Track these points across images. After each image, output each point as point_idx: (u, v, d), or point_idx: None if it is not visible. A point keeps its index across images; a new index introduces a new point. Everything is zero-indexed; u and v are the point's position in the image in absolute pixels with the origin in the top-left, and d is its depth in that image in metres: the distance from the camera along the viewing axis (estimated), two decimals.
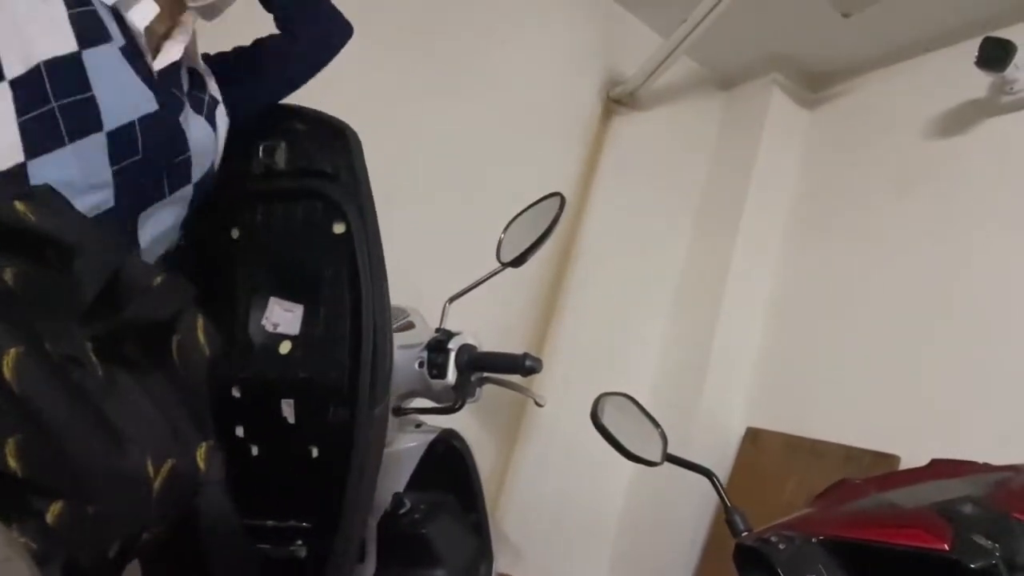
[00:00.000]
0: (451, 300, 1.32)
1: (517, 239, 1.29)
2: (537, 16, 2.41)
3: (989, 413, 1.77)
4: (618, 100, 2.60)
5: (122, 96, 0.88)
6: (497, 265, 1.30)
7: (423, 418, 1.31)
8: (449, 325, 1.23)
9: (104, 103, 0.85)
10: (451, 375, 1.12)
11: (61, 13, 0.83)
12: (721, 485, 1.17)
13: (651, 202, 2.66)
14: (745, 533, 1.06)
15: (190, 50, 1.03)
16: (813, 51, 2.58)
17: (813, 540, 0.88)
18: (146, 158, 0.90)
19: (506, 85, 2.33)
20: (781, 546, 0.88)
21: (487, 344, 1.19)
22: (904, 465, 1.86)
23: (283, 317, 1.10)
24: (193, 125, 0.99)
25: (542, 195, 1.31)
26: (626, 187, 2.58)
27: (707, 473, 1.19)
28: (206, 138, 1.02)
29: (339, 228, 1.06)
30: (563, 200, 1.26)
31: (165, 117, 0.94)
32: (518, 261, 1.26)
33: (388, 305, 1.02)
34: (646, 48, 2.51)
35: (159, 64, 0.96)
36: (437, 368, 1.13)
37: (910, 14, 2.26)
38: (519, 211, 1.33)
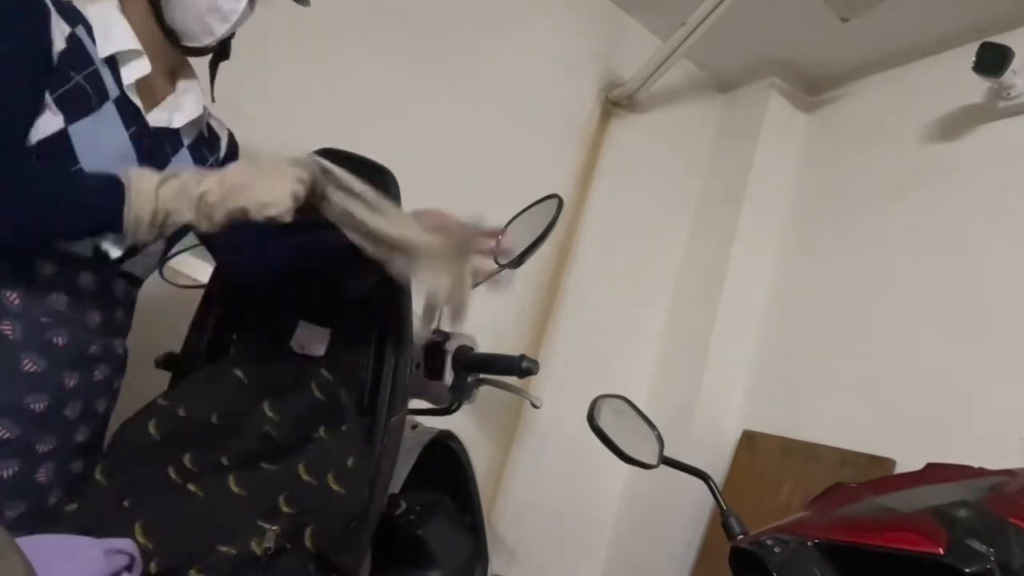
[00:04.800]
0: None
1: (515, 240, 1.29)
2: (536, 19, 2.41)
3: (984, 417, 1.77)
4: (616, 102, 2.60)
5: (102, 158, 0.91)
6: (494, 266, 1.30)
7: (420, 419, 1.31)
8: (446, 327, 1.23)
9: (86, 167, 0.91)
10: (448, 376, 1.12)
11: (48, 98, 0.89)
12: (717, 488, 1.17)
13: (649, 204, 2.66)
14: (741, 536, 1.07)
15: (191, 112, 1.06)
16: (811, 55, 2.59)
17: (808, 543, 0.88)
18: None
19: (505, 87, 2.33)
20: (776, 549, 0.88)
21: (484, 346, 1.19)
22: (899, 469, 1.86)
23: (310, 340, 1.12)
24: None
25: (540, 196, 1.31)
26: (624, 189, 2.59)
27: (703, 476, 1.19)
28: None
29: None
30: (561, 202, 1.26)
31: None
32: (516, 262, 1.26)
33: (411, 324, 1.05)
34: (644, 51, 2.51)
35: (155, 121, 1.00)
36: (434, 369, 1.13)
37: (908, 19, 2.27)
38: (517, 212, 1.33)
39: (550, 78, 2.44)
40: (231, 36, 1.05)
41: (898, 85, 2.44)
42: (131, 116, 0.97)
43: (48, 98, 0.88)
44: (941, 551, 0.77)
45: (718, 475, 2.28)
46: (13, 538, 0.63)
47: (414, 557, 1.18)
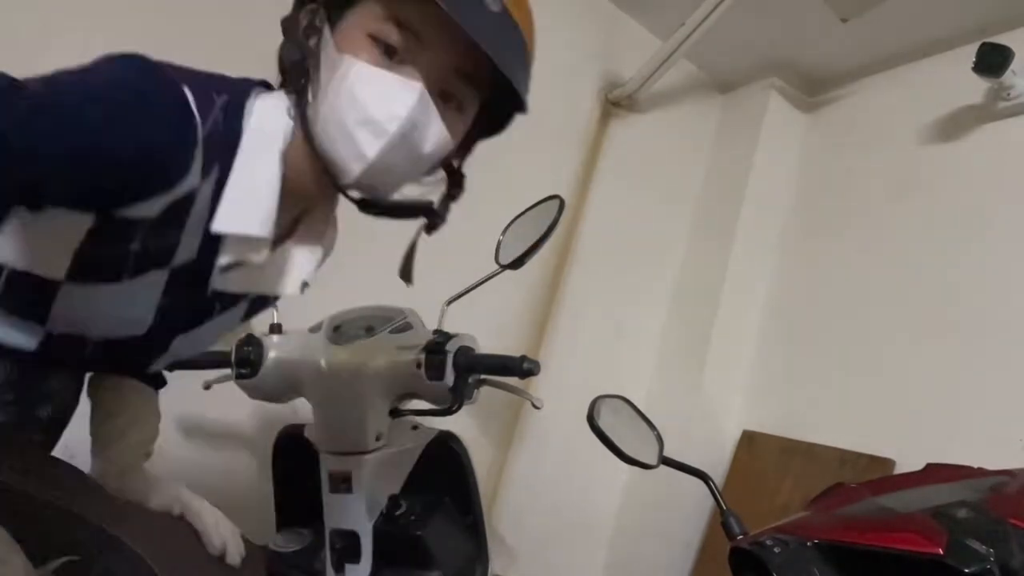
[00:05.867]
0: (449, 302, 1.32)
1: (515, 241, 1.29)
2: (535, 19, 2.40)
3: (983, 417, 1.77)
4: (616, 103, 2.60)
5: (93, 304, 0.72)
6: (495, 267, 1.30)
7: (420, 419, 1.31)
8: (447, 327, 1.23)
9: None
10: (448, 377, 1.12)
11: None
12: (717, 488, 1.17)
13: (648, 205, 2.66)
14: (740, 536, 1.07)
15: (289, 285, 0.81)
16: (811, 55, 2.59)
17: (808, 543, 0.88)
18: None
19: None
20: (776, 549, 0.88)
21: (484, 346, 1.19)
22: (899, 469, 1.86)
23: None
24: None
25: (541, 197, 1.31)
26: (623, 189, 2.58)
27: (703, 476, 1.19)
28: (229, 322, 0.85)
29: None
30: (562, 202, 1.26)
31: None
32: (516, 263, 1.26)
33: None
34: (644, 51, 2.51)
35: (223, 284, 0.75)
36: (434, 370, 1.13)
37: (908, 19, 2.27)
38: (518, 213, 1.33)
39: (549, 78, 2.43)
40: (398, 178, 0.73)
41: (898, 85, 2.44)
42: (185, 284, 0.71)
43: (80, 225, 0.63)
44: (941, 551, 0.77)
45: (718, 475, 2.28)
46: (15, 542, 0.63)
47: (414, 557, 1.18)
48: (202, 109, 0.62)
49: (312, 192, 0.73)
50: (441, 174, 0.79)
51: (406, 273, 0.82)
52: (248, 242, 0.70)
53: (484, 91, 0.73)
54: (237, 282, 0.75)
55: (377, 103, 0.64)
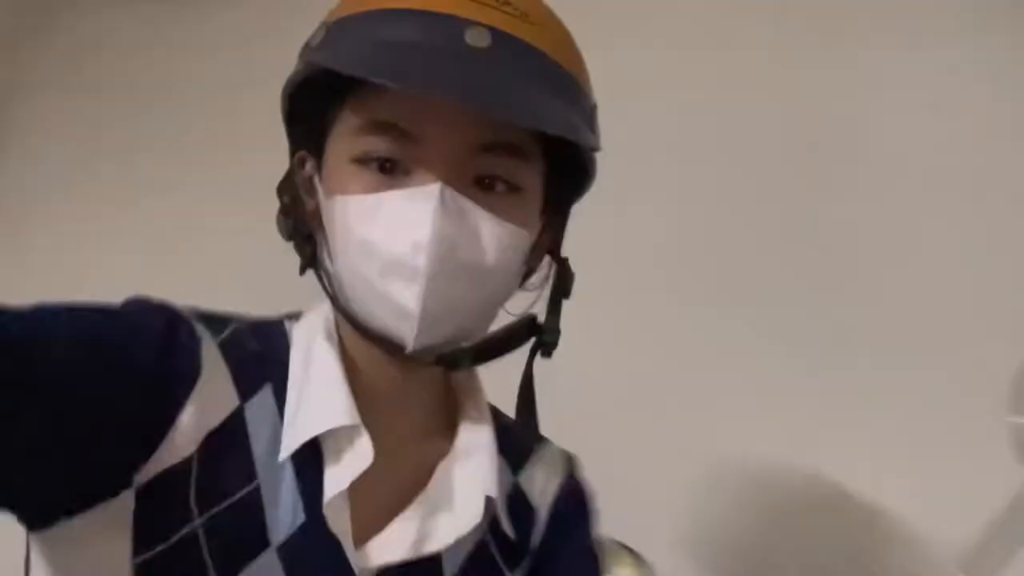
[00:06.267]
0: None
1: None
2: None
3: None
4: None
5: None
6: None
7: None
8: None
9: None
10: None
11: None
12: None
13: None
14: None
15: (464, 520, 0.53)
16: None
17: None
18: None
19: None
20: None
21: None
22: None
23: None
24: None
25: None
26: None
27: None
28: None
29: None
30: None
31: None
32: None
33: None
34: None
35: (379, 557, 0.51)
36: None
37: None
38: None
39: None
40: (476, 313, 0.52)
41: None
42: (317, 561, 0.49)
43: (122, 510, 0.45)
44: None
45: None
46: None
47: None
48: (214, 327, 0.52)
49: (394, 386, 0.54)
50: (544, 269, 0.58)
51: (527, 420, 0.56)
52: (341, 443, 0.50)
53: (532, 144, 0.51)
54: (388, 548, 0.51)
55: (391, 237, 0.47)
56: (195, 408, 0.47)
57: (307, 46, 0.51)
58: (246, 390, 0.50)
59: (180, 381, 0.47)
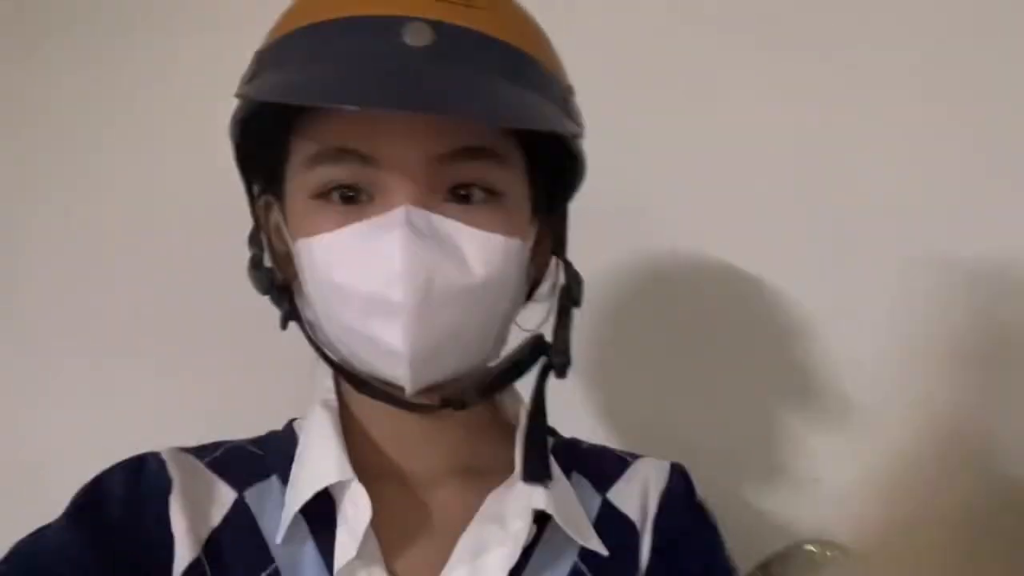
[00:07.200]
0: None
1: None
2: None
3: None
4: None
5: None
6: None
7: None
8: None
9: None
10: None
11: None
12: None
13: None
14: None
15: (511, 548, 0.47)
16: None
17: None
18: None
19: None
20: None
21: None
22: None
23: None
24: None
25: None
26: None
27: None
28: None
29: None
30: None
31: None
32: None
33: None
34: None
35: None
36: None
37: None
38: None
39: None
40: (479, 338, 0.47)
41: None
42: None
43: None
44: None
45: None
46: None
47: None
48: (201, 451, 0.50)
49: (413, 431, 0.50)
50: (552, 276, 0.53)
51: (536, 455, 0.50)
52: (348, 503, 0.46)
53: (505, 143, 0.46)
54: None
55: (361, 276, 0.42)
56: (181, 512, 0.45)
57: (240, 82, 0.46)
58: (243, 482, 0.48)
59: (157, 498, 0.45)
